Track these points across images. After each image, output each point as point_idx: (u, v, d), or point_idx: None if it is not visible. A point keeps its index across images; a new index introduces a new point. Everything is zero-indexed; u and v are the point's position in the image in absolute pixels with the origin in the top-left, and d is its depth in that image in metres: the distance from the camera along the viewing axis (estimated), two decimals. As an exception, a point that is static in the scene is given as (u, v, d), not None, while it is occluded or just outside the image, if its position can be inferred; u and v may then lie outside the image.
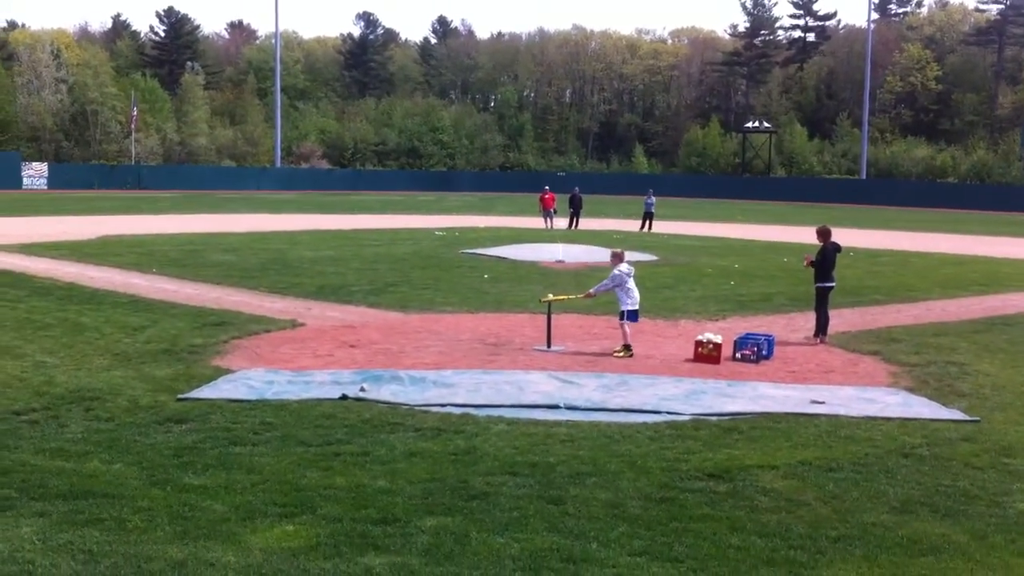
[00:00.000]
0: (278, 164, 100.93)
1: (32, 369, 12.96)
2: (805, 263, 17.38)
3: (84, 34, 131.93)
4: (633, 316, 15.23)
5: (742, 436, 10.38)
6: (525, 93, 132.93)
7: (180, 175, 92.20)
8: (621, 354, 14.77)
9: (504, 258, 30.18)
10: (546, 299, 16.30)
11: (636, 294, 15.36)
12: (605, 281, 15.71)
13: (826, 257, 16.99)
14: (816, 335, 16.54)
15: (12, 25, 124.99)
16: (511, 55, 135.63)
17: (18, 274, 23.42)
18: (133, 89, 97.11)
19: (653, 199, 46.23)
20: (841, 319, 17.98)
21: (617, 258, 15.69)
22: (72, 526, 7.38)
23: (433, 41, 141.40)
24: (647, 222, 45.50)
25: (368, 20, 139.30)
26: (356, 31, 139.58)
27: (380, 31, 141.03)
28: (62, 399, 11.35)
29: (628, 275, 15.34)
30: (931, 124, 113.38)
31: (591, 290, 16.10)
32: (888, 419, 11.20)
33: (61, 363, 13.38)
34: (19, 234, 34.97)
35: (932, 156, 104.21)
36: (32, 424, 10.28)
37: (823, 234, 17.27)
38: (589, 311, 18.54)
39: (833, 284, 17.08)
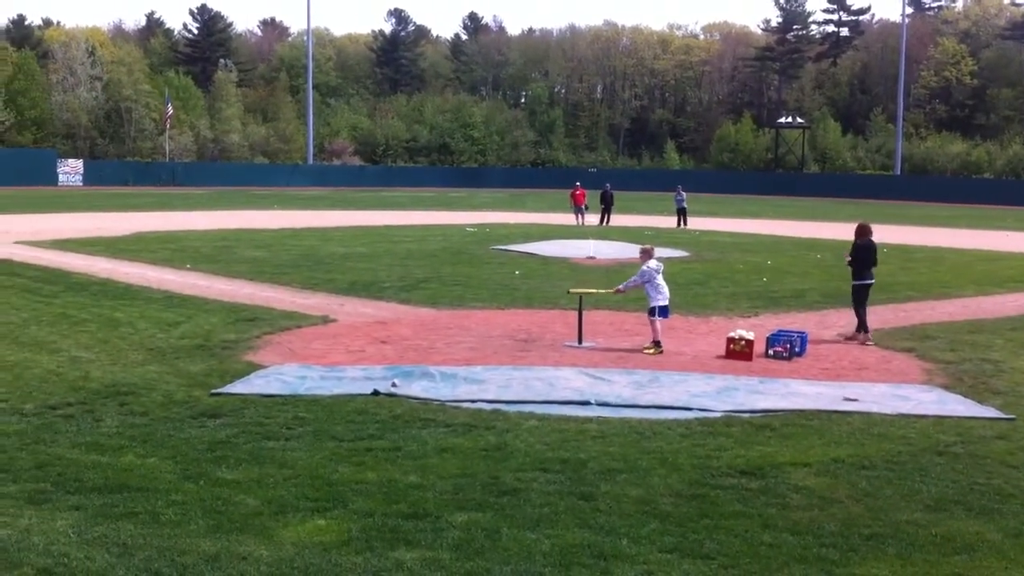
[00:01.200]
0: (310, 161, 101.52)
1: (68, 364, 13.11)
2: (847, 260, 17.16)
3: (118, 32, 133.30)
4: (664, 312, 15.15)
5: (774, 433, 10.32)
6: (556, 89, 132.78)
7: (213, 172, 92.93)
8: (651, 351, 14.72)
9: (535, 254, 30.14)
10: (574, 291, 16.40)
11: (666, 290, 15.26)
12: (634, 277, 15.64)
13: (859, 255, 16.80)
14: (859, 331, 16.27)
15: (47, 23, 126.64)
16: (542, 51, 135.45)
17: (54, 270, 23.69)
18: (167, 86, 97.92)
19: (683, 195, 46.07)
20: (875, 316, 17.79)
21: (646, 254, 15.63)
22: (107, 519, 7.45)
23: (464, 37, 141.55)
24: (681, 218, 45.40)
25: (399, 17, 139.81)
26: (387, 28, 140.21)
27: (411, 28, 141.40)
28: (97, 394, 11.47)
29: (657, 271, 15.27)
30: (966, 119, 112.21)
31: (620, 286, 16.02)
32: (922, 417, 11.09)
33: (96, 358, 13.53)
34: (55, 230, 35.42)
35: (967, 151, 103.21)
36: (68, 419, 10.39)
37: (859, 231, 17.06)
38: (620, 307, 18.50)
39: (871, 281, 16.88)
